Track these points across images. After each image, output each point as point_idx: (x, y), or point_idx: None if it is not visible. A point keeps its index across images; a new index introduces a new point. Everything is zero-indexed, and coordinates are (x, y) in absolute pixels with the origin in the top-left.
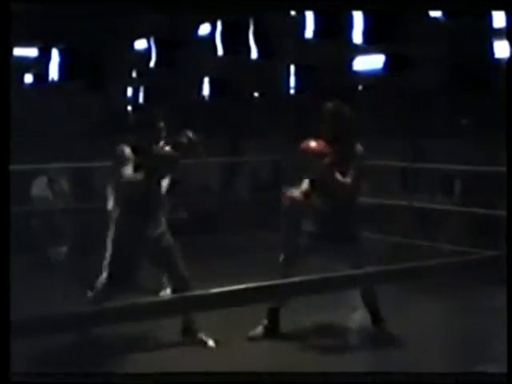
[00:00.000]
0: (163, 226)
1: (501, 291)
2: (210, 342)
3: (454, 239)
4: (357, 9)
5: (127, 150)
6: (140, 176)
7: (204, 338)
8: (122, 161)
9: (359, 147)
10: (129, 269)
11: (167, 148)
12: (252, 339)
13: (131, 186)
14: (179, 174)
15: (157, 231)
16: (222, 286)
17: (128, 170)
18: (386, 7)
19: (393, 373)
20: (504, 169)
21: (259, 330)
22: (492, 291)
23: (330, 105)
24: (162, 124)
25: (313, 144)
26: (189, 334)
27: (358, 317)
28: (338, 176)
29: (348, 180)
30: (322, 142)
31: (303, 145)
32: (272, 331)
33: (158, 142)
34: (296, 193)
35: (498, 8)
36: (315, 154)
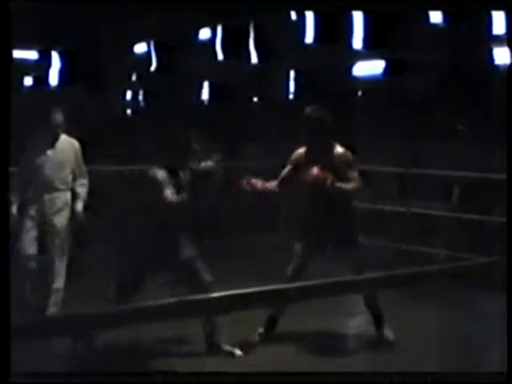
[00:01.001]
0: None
1: (496, 296)
2: (237, 352)
3: (451, 245)
4: (365, 9)
5: (161, 173)
6: (184, 196)
7: (229, 348)
8: (157, 184)
9: (338, 149)
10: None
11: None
12: (246, 345)
13: (176, 207)
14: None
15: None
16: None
17: (168, 192)
18: (390, 8)
19: (393, 373)
20: (500, 175)
21: (254, 336)
22: (488, 297)
23: (308, 109)
24: (195, 145)
25: (315, 173)
26: (212, 344)
27: (356, 322)
28: (342, 185)
29: (351, 186)
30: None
31: (309, 177)
32: (266, 337)
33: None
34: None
35: (498, 8)
36: (319, 181)
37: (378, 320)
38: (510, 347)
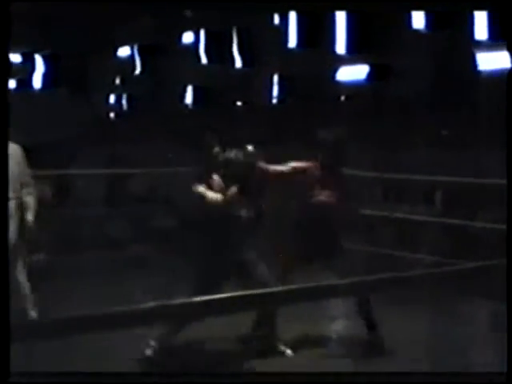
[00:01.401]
0: None
1: (477, 302)
2: (288, 351)
3: (434, 250)
4: (351, 10)
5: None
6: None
7: (282, 347)
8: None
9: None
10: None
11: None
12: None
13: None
14: None
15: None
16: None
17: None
18: (382, 9)
19: (393, 373)
20: (484, 180)
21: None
22: (471, 302)
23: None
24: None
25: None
26: (267, 344)
27: (339, 326)
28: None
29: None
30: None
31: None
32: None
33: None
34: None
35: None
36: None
37: (370, 324)
38: (510, 347)
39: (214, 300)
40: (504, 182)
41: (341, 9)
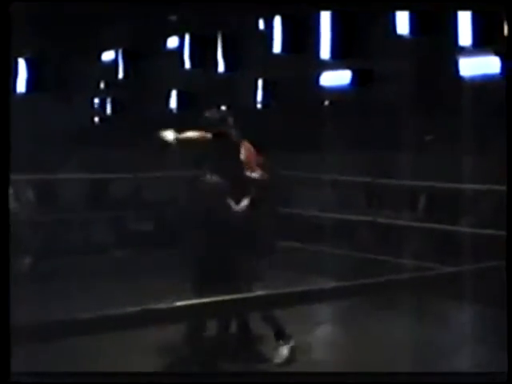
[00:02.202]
0: None
1: (459, 306)
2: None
3: (418, 255)
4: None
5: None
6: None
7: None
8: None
9: None
10: None
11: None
12: None
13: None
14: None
15: None
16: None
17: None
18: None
19: (393, 373)
20: (467, 185)
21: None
22: (453, 306)
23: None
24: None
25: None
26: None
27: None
28: None
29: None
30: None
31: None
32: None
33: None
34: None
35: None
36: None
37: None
38: (510, 347)
39: (198, 304)
40: (483, 187)
41: (325, 9)
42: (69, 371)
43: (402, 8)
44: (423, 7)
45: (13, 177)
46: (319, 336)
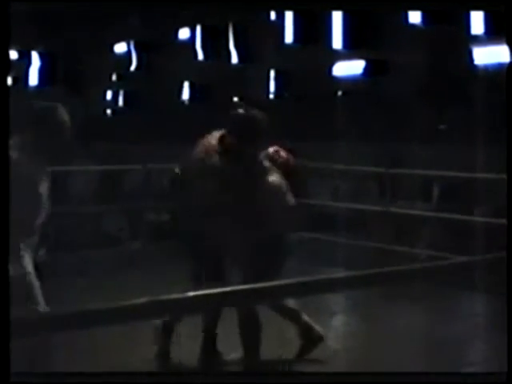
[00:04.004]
0: None
1: (473, 297)
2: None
3: (432, 245)
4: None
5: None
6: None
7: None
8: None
9: None
10: None
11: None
12: None
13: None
14: None
15: None
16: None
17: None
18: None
19: (393, 373)
20: (482, 174)
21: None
22: (466, 297)
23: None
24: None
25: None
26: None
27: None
28: None
29: None
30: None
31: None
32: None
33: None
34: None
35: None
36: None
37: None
38: (510, 347)
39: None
40: (497, 176)
41: (338, 9)
42: (69, 371)
43: (410, 8)
44: (427, 7)
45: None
46: (334, 326)
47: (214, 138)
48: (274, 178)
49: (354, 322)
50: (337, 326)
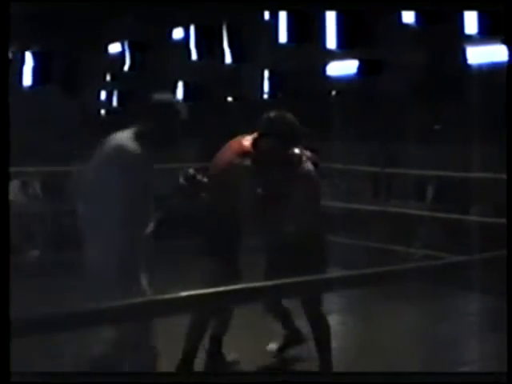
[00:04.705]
0: None
1: (468, 296)
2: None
3: (427, 244)
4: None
5: None
6: None
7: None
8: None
9: None
10: None
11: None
12: None
13: None
14: None
15: None
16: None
17: None
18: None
19: (393, 373)
20: (476, 174)
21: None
22: (463, 296)
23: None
24: None
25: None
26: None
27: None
28: None
29: None
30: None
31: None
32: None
33: None
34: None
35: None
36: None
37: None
38: (510, 347)
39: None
40: (492, 175)
41: (332, 9)
42: (69, 371)
43: (405, 8)
44: (424, 7)
45: (20, 169)
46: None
47: (246, 140)
48: (314, 180)
49: (349, 321)
50: (332, 326)
